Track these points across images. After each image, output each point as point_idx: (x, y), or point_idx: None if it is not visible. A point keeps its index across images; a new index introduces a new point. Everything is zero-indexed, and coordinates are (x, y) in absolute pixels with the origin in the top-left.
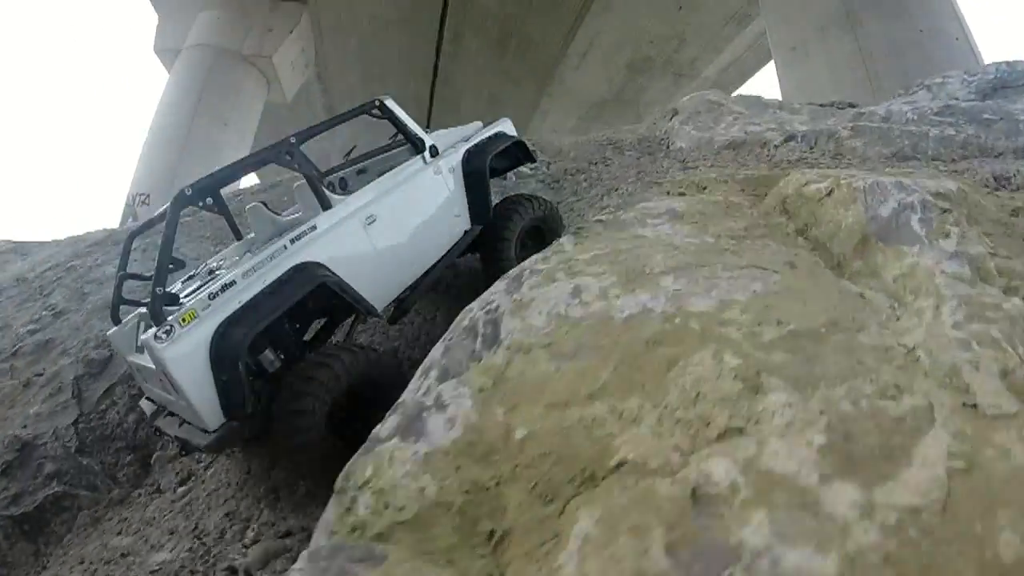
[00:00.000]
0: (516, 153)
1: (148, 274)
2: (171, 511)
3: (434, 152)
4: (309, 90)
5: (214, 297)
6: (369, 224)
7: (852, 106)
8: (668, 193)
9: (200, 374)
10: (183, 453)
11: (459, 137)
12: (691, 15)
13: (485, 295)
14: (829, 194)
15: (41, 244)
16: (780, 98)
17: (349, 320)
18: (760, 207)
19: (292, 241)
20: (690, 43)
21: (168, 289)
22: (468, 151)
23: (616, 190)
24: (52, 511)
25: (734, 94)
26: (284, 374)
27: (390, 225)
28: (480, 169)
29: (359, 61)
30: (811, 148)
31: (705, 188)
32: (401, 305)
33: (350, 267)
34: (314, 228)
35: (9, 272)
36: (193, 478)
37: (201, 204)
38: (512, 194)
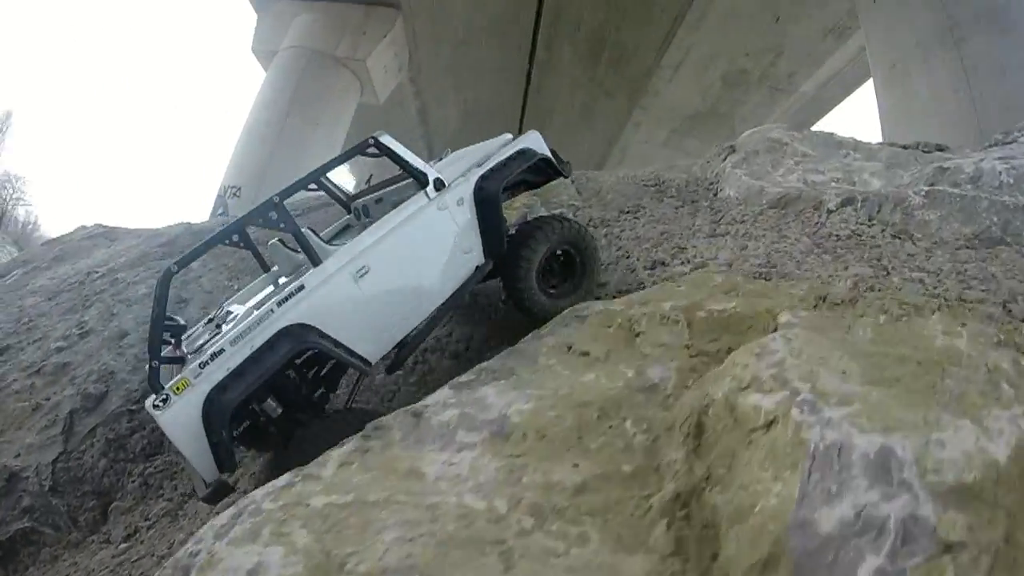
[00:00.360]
0: (544, 168)
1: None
2: (109, 566)
3: (439, 185)
4: (402, 93)
5: (204, 366)
6: (361, 276)
7: (940, 149)
8: (571, 349)
9: (194, 435)
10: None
11: (479, 157)
12: (788, 27)
13: (199, 532)
14: (768, 426)
15: (128, 232)
16: (879, 123)
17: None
18: (670, 411)
19: (279, 304)
20: (787, 56)
21: (185, 335)
22: (481, 177)
23: (627, 257)
24: (22, 543)
25: (808, 129)
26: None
27: (386, 274)
28: (492, 198)
29: (452, 67)
30: (870, 219)
31: (639, 335)
32: (400, 354)
33: (340, 324)
34: (302, 288)
35: (82, 264)
36: (136, 535)
37: (228, 242)
38: (534, 216)
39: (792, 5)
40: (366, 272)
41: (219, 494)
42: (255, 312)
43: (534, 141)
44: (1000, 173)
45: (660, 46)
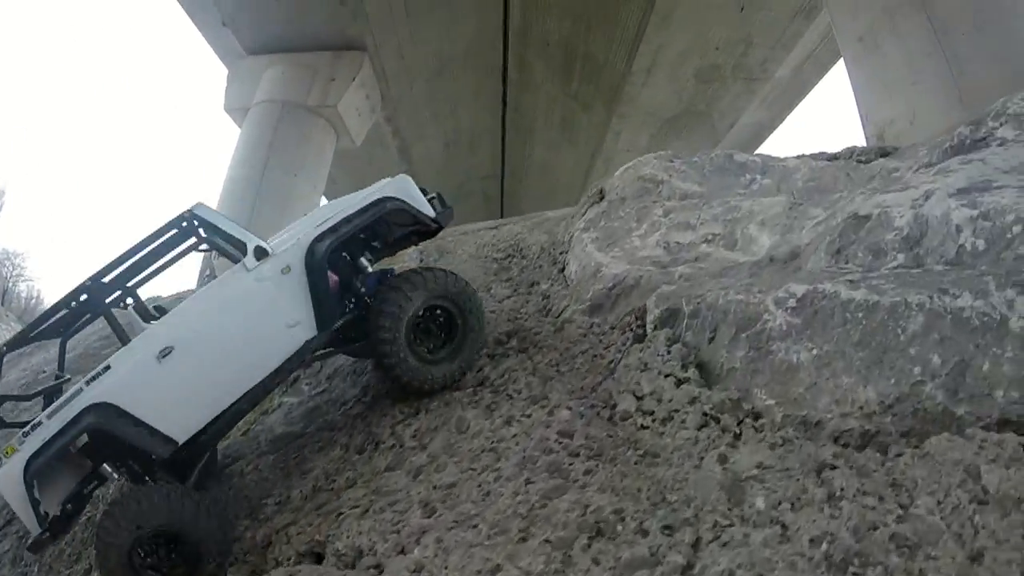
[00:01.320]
0: (416, 218)
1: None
2: None
3: (259, 254)
4: (380, 132)
5: (27, 435)
6: (164, 356)
7: (883, 154)
8: None
9: (20, 494)
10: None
11: (317, 222)
12: (755, 15)
13: None
14: None
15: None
16: (854, 100)
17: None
18: None
19: (88, 383)
20: (758, 44)
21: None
22: (315, 239)
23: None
24: None
25: (703, 154)
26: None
27: (191, 353)
28: (318, 268)
29: (428, 99)
30: (677, 381)
31: None
32: (200, 441)
33: (143, 403)
34: (108, 368)
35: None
36: None
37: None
38: (398, 272)
39: None
40: (169, 352)
41: (38, 546)
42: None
43: (399, 188)
44: (958, 230)
45: (630, 51)
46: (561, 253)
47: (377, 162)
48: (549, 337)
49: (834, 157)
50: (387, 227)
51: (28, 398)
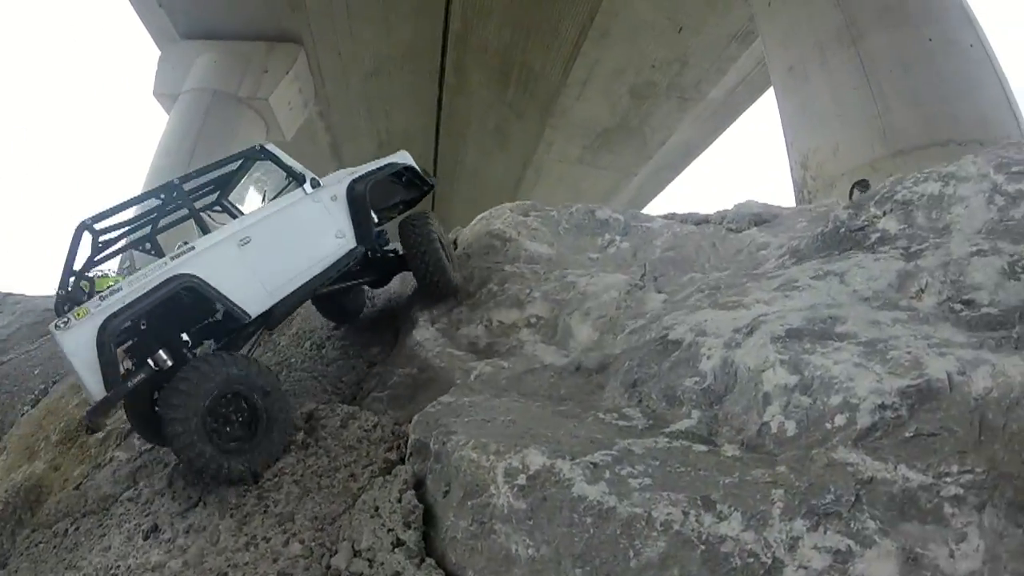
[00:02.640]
0: (415, 182)
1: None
2: None
3: (314, 184)
4: (312, 127)
5: (104, 299)
6: (243, 244)
7: (758, 223)
8: None
9: (88, 356)
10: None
11: (349, 172)
12: (692, 37)
13: None
14: None
15: (16, 301)
16: (781, 128)
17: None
18: None
19: (172, 259)
20: (693, 65)
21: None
22: (352, 180)
23: None
24: None
25: (559, 208)
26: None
27: (264, 245)
28: (361, 196)
29: (363, 98)
30: None
31: None
32: (273, 312)
33: (222, 278)
34: (192, 248)
35: None
36: None
37: (140, 248)
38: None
39: (694, 15)
40: (248, 242)
41: (99, 411)
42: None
43: (401, 157)
44: (767, 400)
45: (566, 63)
46: (399, 315)
47: (307, 158)
48: (332, 435)
49: (704, 220)
50: (391, 189)
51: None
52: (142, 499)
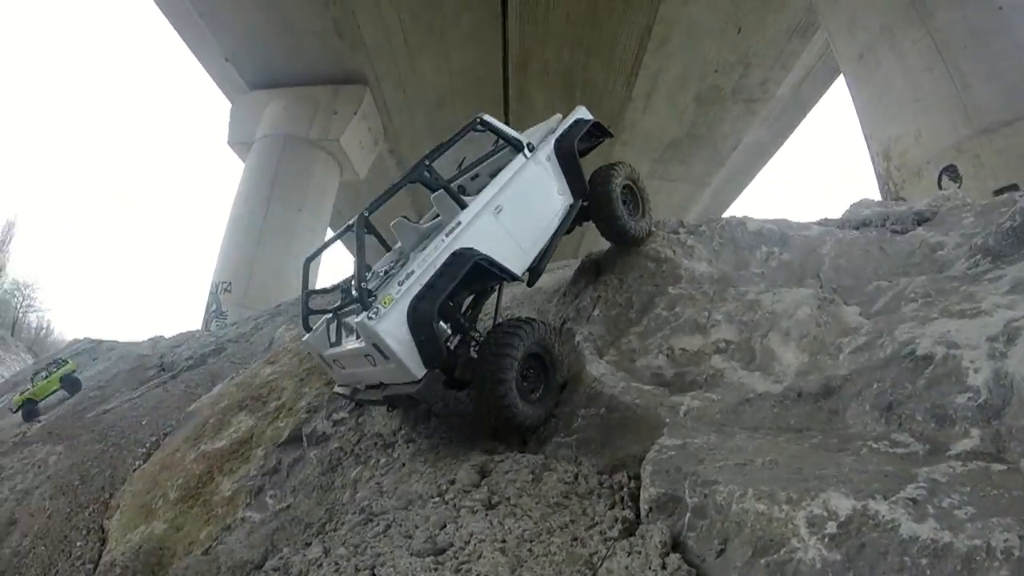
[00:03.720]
0: (596, 132)
1: (330, 287)
2: None
3: (531, 148)
4: (383, 163)
5: (402, 283)
6: (498, 213)
7: (920, 221)
8: None
9: (404, 338)
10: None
11: (547, 131)
12: (752, 36)
13: None
14: None
15: (110, 348)
16: (857, 119)
17: (493, 297)
18: None
19: (446, 235)
20: (756, 65)
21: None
22: (557, 139)
23: None
24: None
25: (711, 221)
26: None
27: (513, 211)
28: (571, 151)
29: (430, 130)
30: None
31: None
32: (536, 270)
33: (491, 246)
34: (459, 223)
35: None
36: None
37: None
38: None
39: (751, 13)
40: (501, 210)
41: (430, 385)
42: (423, 248)
43: (583, 113)
44: None
45: (629, 77)
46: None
47: (377, 193)
48: (525, 490)
49: (863, 224)
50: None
51: (329, 290)
52: (293, 570)
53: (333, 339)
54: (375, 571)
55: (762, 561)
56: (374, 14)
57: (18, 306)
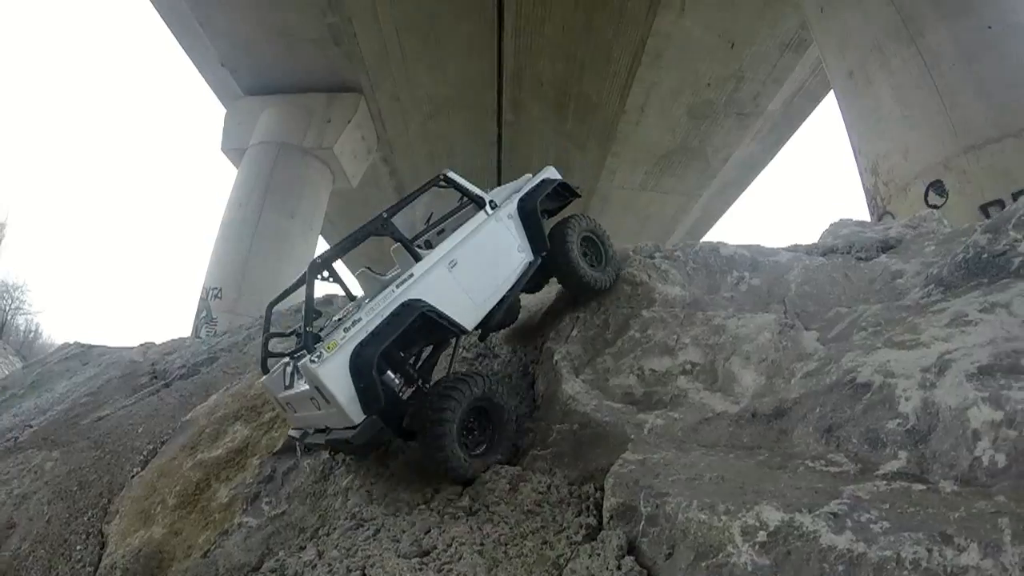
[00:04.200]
0: (562, 192)
1: (288, 330)
2: None
3: (493, 205)
4: (376, 172)
5: (348, 330)
6: (452, 267)
7: (884, 249)
8: None
9: (344, 384)
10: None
11: (513, 189)
12: (745, 50)
13: None
14: None
15: (100, 353)
16: (847, 135)
17: (450, 349)
18: None
19: (397, 286)
20: (749, 79)
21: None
22: (521, 198)
23: None
24: None
25: (688, 244)
26: (418, 394)
27: (468, 266)
28: (532, 211)
29: (423, 140)
30: None
31: None
32: (487, 324)
33: (442, 300)
34: (411, 275)
35: (42, 397)
36: None
37: (322, 276)
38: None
39: (744, 28)
40: (455, 264)
41: (366, 432)
42: (375, 299)
43: (550, 173)
44: (975, 436)
45: (623, 90)
46: (532, 362)
47: (372, 203)
48: (503, 499)
49: (830, 251)
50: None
51: (287, 335)
52: (288, 571)
53: (287, 382)
54: (365, 571)
55: (703, 564)
56: (371, 23)
57: (7, 308)
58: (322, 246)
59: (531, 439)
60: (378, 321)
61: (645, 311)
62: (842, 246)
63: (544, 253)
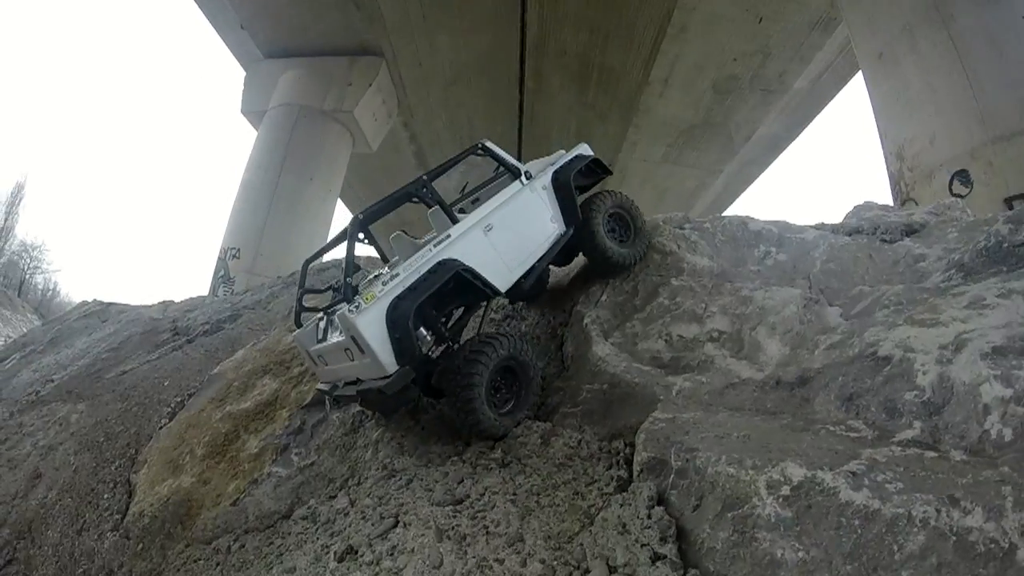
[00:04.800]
0: (595, 169)
1: (323, 287)
2: None
3: (528, 176)
4: (396, 137)
5: (386, 284)
6: (487, 231)
7: (908, 232)
8: None
9: (380, 334)
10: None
11: (548, 163)
12: (772, 26)
13: None
14: None
15: (119, 311)
16: (873, 118)
17: (480, 311)
18: None
19: (435, 245)
20: (776, 56)
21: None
22: (555, 171)
23: None
24: None
25: (715, 217)
26: (447, 353)
27: (503, 231)
28: (566, 183)
29: (444, 107)
30: None
31: None
32: (518, 287)
33: (477, 261)
34: (449, 236)
35: (62, 353)
36: None
37: (360, 237)
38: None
39: (773, 4)
40: (491, 228)
41: (400, 380)
42: (413, 257)
43: (584, 149)
44: (986, 411)
45: (646, 62)
46: (561, 324)
47: (392, 168)
48: (535, 452)
49: (855, 231)
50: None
51: (322, 291)
52: (320, 518)
53: (320, 336)
54: (399, 518)
55: (729, 515)
56: None
57: (25, 268)
58: (341, 209)
59: (560, 398)
60: (415, 277)
61: (674, 279)
62: (867, 227)
63: (575, 225)
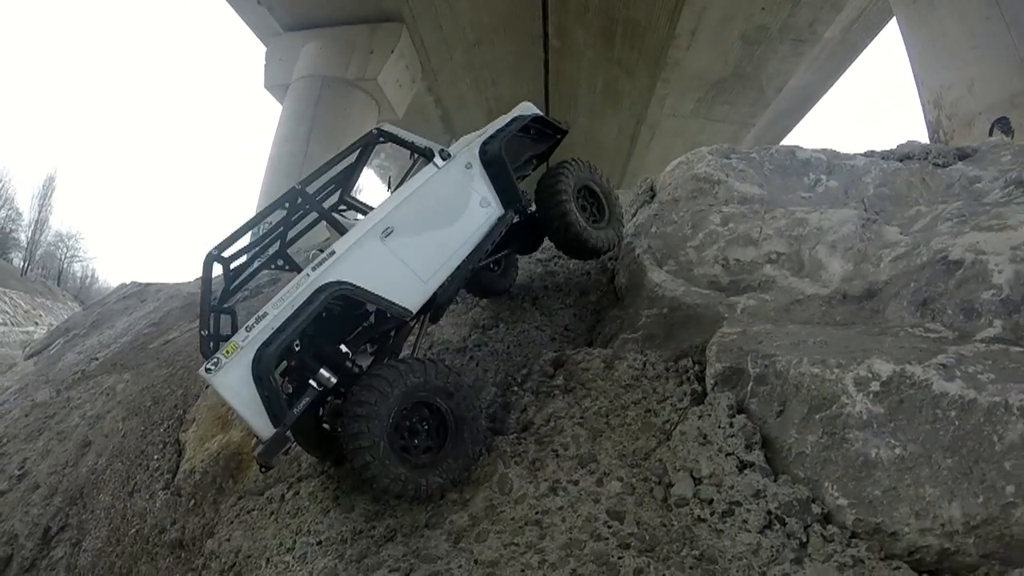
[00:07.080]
0: (545, 130)
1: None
2: None
3: (444, 156)
4: (421, 102)
5: (251, 329)
6: (386, 237)
7: (962, 156)
8: None
9: (247, 393)
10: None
11: (477, 135)
12: None
13: None
14: None
15: (157, 290)
16: (909, 67)
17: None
18: None
19: (313, 269)
20: (805, 3)
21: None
22: (483, 143)
23: None
24: None
25: (762, 148)
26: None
27: (408, 232)
28: (496, 156)
29: (468, 69)
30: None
31: None
32: (438, 303)
33: (374, 278)
34: (332, 253)
35: (104, 334)
36: None
37: (274, 266)
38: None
39: None
40: (390, 233)
41: (273, 450)
42: (287, 287)
43: (524, 109)
44: None
45: (672, 14)
46: (611, 259)
47: (419, 133)
48: (599, 376)
49: (906, 157)
50: (520, 144)
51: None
52: None
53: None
54: None
55: (817, 416)
56: None
57: (62, 257)
58: (369, 178)
59: (619, 326)
60: (287, 313)
61: (724, 207)
62: (918, 153)
63: (518, 205)
